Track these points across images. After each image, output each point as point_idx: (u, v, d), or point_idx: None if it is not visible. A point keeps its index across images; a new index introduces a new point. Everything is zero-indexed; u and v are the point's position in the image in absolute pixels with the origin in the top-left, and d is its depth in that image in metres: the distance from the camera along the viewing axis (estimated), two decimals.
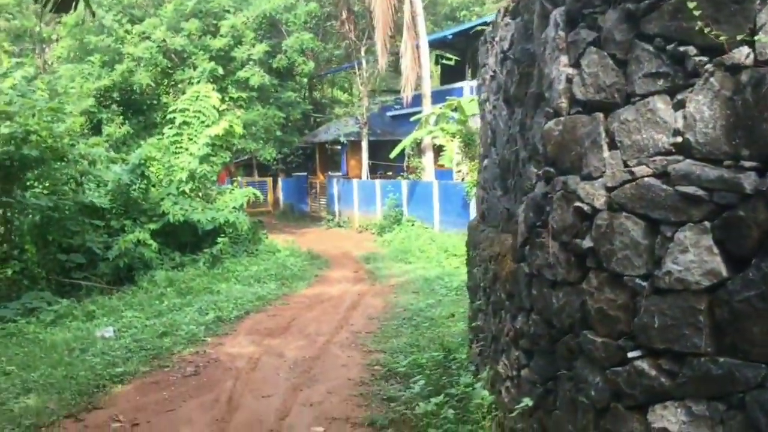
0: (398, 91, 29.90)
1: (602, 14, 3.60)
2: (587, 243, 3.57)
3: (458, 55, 31.91)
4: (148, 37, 22.05)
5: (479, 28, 17.66)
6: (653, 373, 3.23)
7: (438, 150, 26.32)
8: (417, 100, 26.57)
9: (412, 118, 24.33)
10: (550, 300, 4.00)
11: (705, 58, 3.11)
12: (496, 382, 5.59)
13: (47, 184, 14.43)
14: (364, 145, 28.50)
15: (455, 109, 23.09)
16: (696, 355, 3.09)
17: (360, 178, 29.44)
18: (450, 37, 29.11)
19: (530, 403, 4.20)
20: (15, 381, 8.15)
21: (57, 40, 26.16)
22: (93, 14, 6.41)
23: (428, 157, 25.32)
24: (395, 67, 30.99)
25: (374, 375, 8.28)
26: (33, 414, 7.02)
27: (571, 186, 3.75)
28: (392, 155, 23.00)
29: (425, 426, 6.16)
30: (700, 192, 3.05)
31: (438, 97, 26.36)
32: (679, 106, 3.21)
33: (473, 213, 19.59)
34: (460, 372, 7.22)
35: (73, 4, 7.11)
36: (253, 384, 8.18)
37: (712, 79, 3.06)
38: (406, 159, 26.35)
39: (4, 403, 7.42)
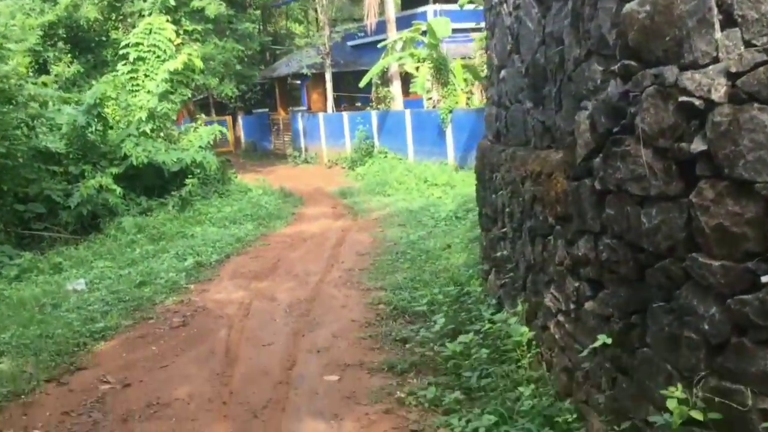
0: (358, 20, 28.65)
1: None
2: (698, 146, 2.91)
3: None
4: None
5: None
6: None
7: (405, 78, 25.41)
8: (380, 27, 25.45)
9: (380, 45, 23.26)
10: (636, 220, 3.36)
11: None
12: (537, 317, 5.02)
13: None
14: (328, 77, 27.35)
15: (424, 33, 22.15)
16: None
17: (323, 111, 28.40)
18: None
19: (608, 341, 3.60)
20: None
21: None
22: None
23: (396, 86, 24.39)
24: None
25: (379, 315, 7.68)
26: (9, 380, 6.26)
27: (669, 78, 3.06)
28: (361, 84, 22.05)
29: (454, 368, 5.60)
30: None
31: (401, 23, 25.22)
32: None
33: (450, 140, 18.97)
34: (478, 307, 6.66)
35: None
36: (249, 332, 7.52)
37: None
38: (373, 89, 25.34)
39: None
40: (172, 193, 15.45)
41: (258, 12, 31.41)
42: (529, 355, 5.02)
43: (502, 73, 5.95)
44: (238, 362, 6.61)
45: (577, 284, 4.06)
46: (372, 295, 8.49)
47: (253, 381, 6.10)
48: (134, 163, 15.08)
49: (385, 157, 21.46)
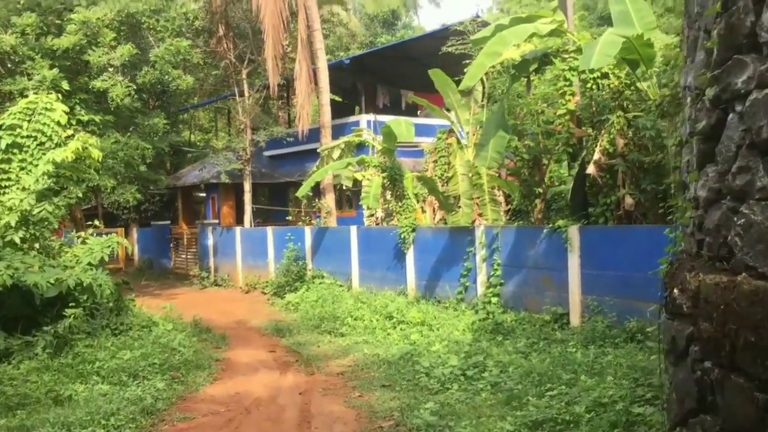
0: (272, 130, 25.18)
1: None
2: None
3: (349, 88, 28.20)
4: None
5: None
6: None
7: (339, 190, 22.15)
8: (311, 135, 22.29)
9: (320, 148, 19.94)
10: None
11: None
12: None
13: None
14: (247, 186, 23.58)
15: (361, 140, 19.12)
16: None
17: (235, 226, 24.46)
18: (347, 62, 25.23)
19: None
20: None
21: None
22: None
23: (330, 199, 20.94)
24: (263, 106, 26.61)
25: None
26: None
27: None
28: (299, 194, 18.33)
29: None
30: None
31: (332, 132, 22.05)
32: None
33: (411, 264, 15.38)
34: None
35: None
36: None
37: None
38: (303, 202, 21.79)
39: None
40: (45, 328, 10.88)
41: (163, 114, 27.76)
42: None
43: None
44: None
45: None
46: None
47: None
48: None
49: (322, 282, 17.57)
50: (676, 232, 5.01)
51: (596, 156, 10.94)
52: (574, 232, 11.30)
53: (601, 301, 10.72)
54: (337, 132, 22.47)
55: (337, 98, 24.36)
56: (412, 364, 9.91)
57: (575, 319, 11.25)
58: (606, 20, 34.30)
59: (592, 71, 11.02)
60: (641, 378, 7.22)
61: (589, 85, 11.28)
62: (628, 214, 10.95)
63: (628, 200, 10.74)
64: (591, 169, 11.00)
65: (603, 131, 11.00)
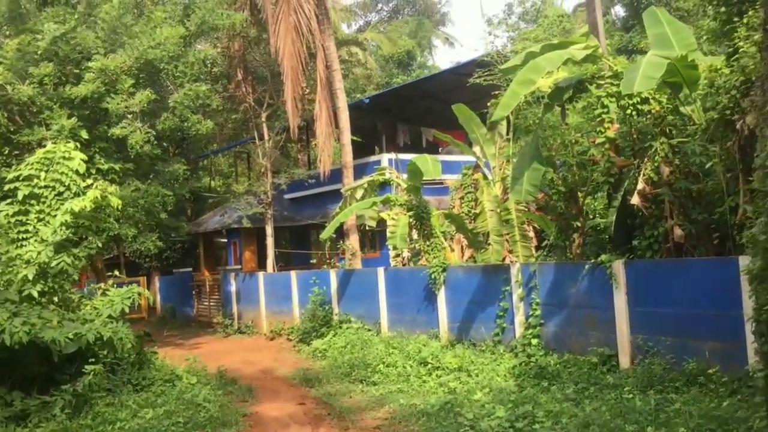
0: (293, 172, 24.69)
1: None
2: None
3: (369, 127, 27.88)
4: None
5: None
6: None
7: (361, 231, 21.60)
8: (332, 176, 21.83)
9: (344, 189, 19.47)
10: None
11: None
12: None
13: None
14: (269, 230, 23.13)
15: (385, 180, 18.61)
16: None
17: (258, 271, 23.94)
18: (366, 101, 24.92)
19: None
20: None
21: None
22: None
23: (354, 241, 20.42)
24: (282, 149, 26.28)
25: None
26: None
27: None
28: (323, 237, 17.83)
29: None
30: None
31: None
32: None
33: (443, 306, 14.68)
34: None
35: None
36: None
37: None
38: (326, 244, 21.26)
39: None
40: (63, 387, 10.35)
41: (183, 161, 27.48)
42: None
43: None
44: None
45: None
46: None
47: None
48: (7, 342, 9.97)
49: (350, 326, 16.89)
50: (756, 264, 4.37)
51: (640, 185, 10.31)
52: (619, 267, 10.61)
53: (654, 340, 9.97)
54: (359, 172, 22.06)
55: (357, 138, 24.02)
56: (453, 415, 9.21)
57: (625, 361, 10.49)
58: (624, 52, 33.78)
59: (630, 97, 10.46)
60: (718, 429, 6.49)
61: (628, 112, 10.70)
62: (677, 246, 10.25)
63: (678, 231, 10.05)
64: (635, 200, 10.35)
65: (646, 159, 10.38)
